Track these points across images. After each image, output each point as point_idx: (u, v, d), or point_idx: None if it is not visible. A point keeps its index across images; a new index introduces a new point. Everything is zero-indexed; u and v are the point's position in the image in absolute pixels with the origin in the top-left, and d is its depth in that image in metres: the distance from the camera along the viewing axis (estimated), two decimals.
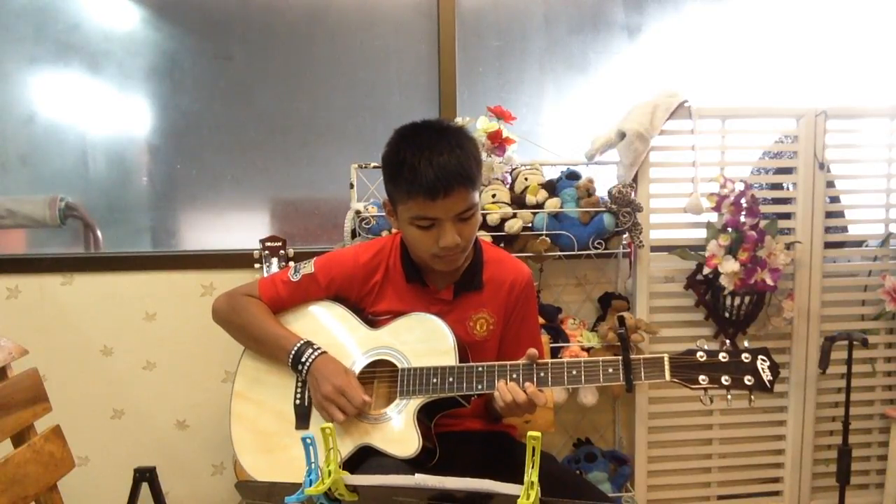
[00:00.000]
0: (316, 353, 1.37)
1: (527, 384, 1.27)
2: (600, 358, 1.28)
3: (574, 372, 1.28)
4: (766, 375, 1.21)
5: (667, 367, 1.23)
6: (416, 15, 2.31)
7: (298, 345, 1.38)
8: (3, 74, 2.19)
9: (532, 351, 1.29)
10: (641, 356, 1.25)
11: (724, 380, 1.21)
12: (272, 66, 2.28)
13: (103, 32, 2.22)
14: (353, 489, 0.95)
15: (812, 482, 2.28)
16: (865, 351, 2.15)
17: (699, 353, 1.23)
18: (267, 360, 1.46)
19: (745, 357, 1.22)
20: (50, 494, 1.22)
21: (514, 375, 1.30)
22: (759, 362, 1.22)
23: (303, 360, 1.36)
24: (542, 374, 1.29)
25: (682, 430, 2.24)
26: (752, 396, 1.22)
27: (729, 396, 1.23)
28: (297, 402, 1.41)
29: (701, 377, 1.22)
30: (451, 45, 2.27)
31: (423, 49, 2.31)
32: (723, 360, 1.23)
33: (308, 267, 1.47)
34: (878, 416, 2.31)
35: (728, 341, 1.28)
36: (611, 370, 1.25)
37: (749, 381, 1.21)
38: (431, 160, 1.26)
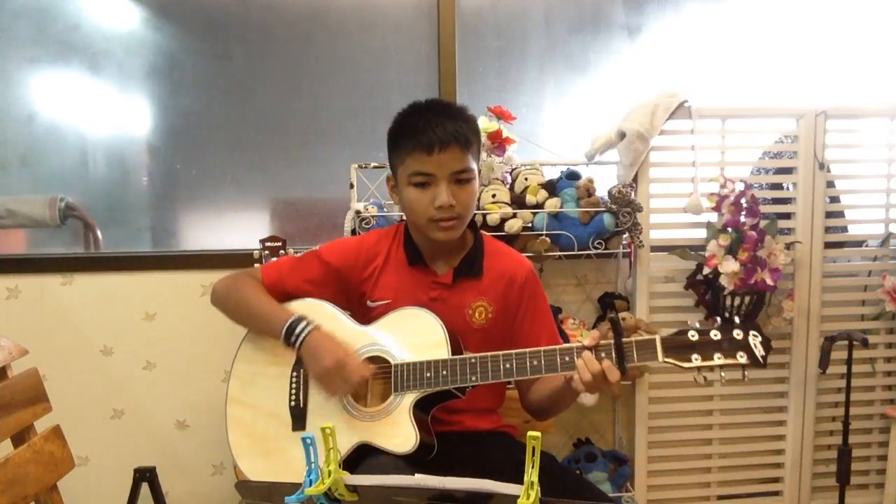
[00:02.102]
0: (310, 327, 1.37)
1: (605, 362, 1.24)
2: (594, 343, 1.26)
3: (567, 359, 1.27)
4: (759, 351, 1.20)
5: (659, 347, 1.23)
6: (416, 15, 2.31)
7: (291, 319, 1.37)
8: (3, 74, 2.19)
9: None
10: (633, 339, 1.25)
11: (717, 357, 1.21)
12: (272, 66, 2.28)
13: (103, 32, 2.22)
14: (353, 489, 0.95)
15: (812, 482, 2.28)
16: (865, 351, 2.15)
17: (691, 333, 1.22)
18: (260, 363, 1.46)
19: (737, 333, 1.21)
20: (50, 494, 1.22)
21: (508, 365, 1.30)
22: (750, 338, 1.21)
23: (297, 331, 1.36)
24: (535, 363, 1.29)
25: (682, 430, 2.24)
26: (746, 373, 1.21)
27: (722, 374, 1.22)
28: (293, 403, 1.41)
29: (693, 356, 1.21)
30: (451, 45, 2.27)
31: (423, 49, 2.31)
32: (714, 338, 1.21)
33: (313, 248, 1.51)
34: (878, 416, 2.31)
35: (719, 319, 1.27)
36: (603, 354, 1.24)
37: (742, 357, 1.20)
38: (430, 120, 1.37)
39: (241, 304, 1.46)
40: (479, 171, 1.51)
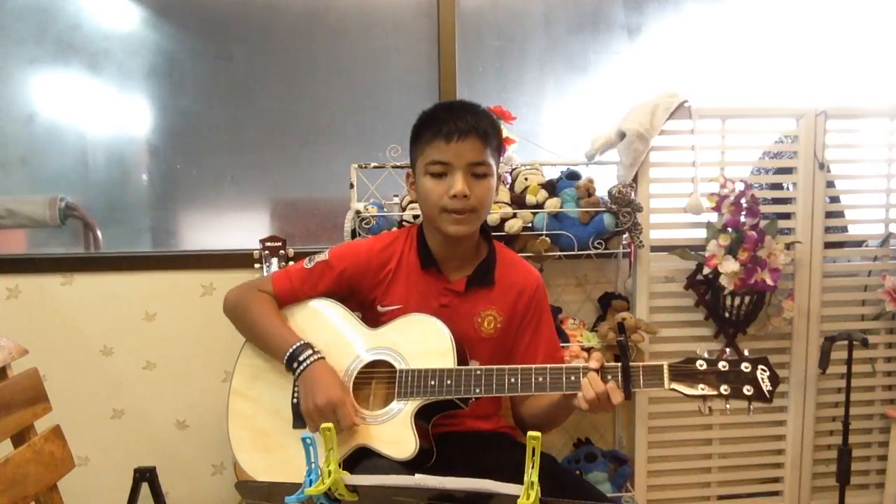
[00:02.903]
0: (314, 357, 1.36)
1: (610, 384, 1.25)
2: (599, 367, 1.26)
3: (573, 378, 1.27)
4: (766, 386, 1.20)
5: (666, 375, 1.23)
6: (416, 15, 2.31)
7: (297, 345, 1.37)
8: (3, 74, 2.19)
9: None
10: (641, 364, 1.25)
11: (724, 389, 1.21)
12: (272, 66, 2.28)
13: (103, 32, 2.22)
14: (353, 489, 0.95)
15: (812, 482, 2.28)
16: (865, 351, 2.15)
17: (699, 362, 1.22)
18: (265, 358, 1.46)
19: (745, 367, 1.21)
20: (50, 494, 1.22)
21: (513, 380, 1.30)
22: (758, 372, 1.21)
23: (300, 359, 1.36)
24: (540, 380, 1.29)
25: (682, 430, 2.24)
26: (751, 407, 1.21)
27: (727, 406, 1.22)
28: (295, 400, 1.40)
29: (700, 386, 1.21)
30: (451, 45, 2.27)
31: (423, 49, 2.31)
32: (722, 369, 1.22)
33: (323, 255, 1.50)
34: (878, 416, 2.31)
35: (728, 349, 1.27)
36: (609, 377, 1.25)
37: (748, 391, 1.20)
38: (452, 112, 1.41)
39: (249, 322, 1.46)
40: (499, 177, 1.52)
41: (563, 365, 1.30)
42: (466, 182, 1.37)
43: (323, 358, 1.37)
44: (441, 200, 1.38)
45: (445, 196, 1.38)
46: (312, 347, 1.37)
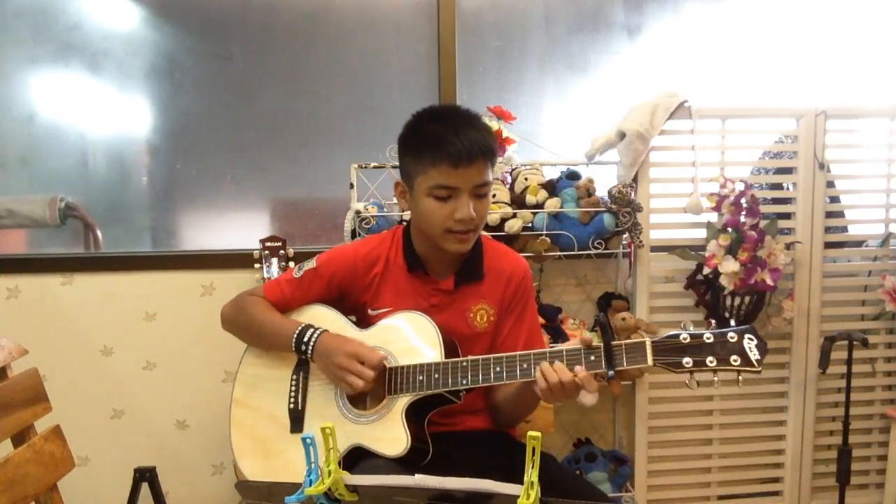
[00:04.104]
0: (318, 332, 1.38)
1: (577, 368, 1.22)
2: (582, 347, 1.24)
3: (557, 362, 1.26)
4: (754, 354, 1.15)
5: (649, 351, 1.19)
6: (416, 15, 2.31)
7: (300, 327, 1.39)
8: (3, 74, 2.19)
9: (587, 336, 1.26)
10: (623, 341, 1.22)
11: (710, 361, 1.16)
12: (272, 66, 2.28)
13: (103, 32, 2.22)
14: (353, 489, 0.95)
15: (812, 482, 2.28)
16: (865, 351, 2.15)
17: (682, 336, 1.18)
18: (263, 367, 1.47)
19: (731, 336, 1.16)
20: (50, 494, 1.22)
21: (498, 369, 1.29)
22: (745, 341, 1.16)
23: (305, 340, 1.38)
24: (524, 367, 1.28)
25: (682, 430, 2.24)
26: (741, 377, 1.17)
27: (716, 379, 1.18)
28: (291, 406, 1.41)
29: (685, 360, 1.17)
30: (451, 45, 2.27)
31: (423, 49, 2.31)
32: (707, 340, 1.17)
33: (310, 263, 1.50)
34: (878, 416, 2.31)
35: (713, 321, 1.22)
36: (593, 357, 1.23)
37: (736, 360, 1.15)
38: (458, 131, 1.32)
39: (250, 326, 1.47)
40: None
41: (547, 350, 1.29)
42: (472, 204, 1.35)
43: (326, 331, 1.39)
44: (445, 223, 1.36)
45: (450, 219, 1.35)
46: (313, 326, 1.40)
